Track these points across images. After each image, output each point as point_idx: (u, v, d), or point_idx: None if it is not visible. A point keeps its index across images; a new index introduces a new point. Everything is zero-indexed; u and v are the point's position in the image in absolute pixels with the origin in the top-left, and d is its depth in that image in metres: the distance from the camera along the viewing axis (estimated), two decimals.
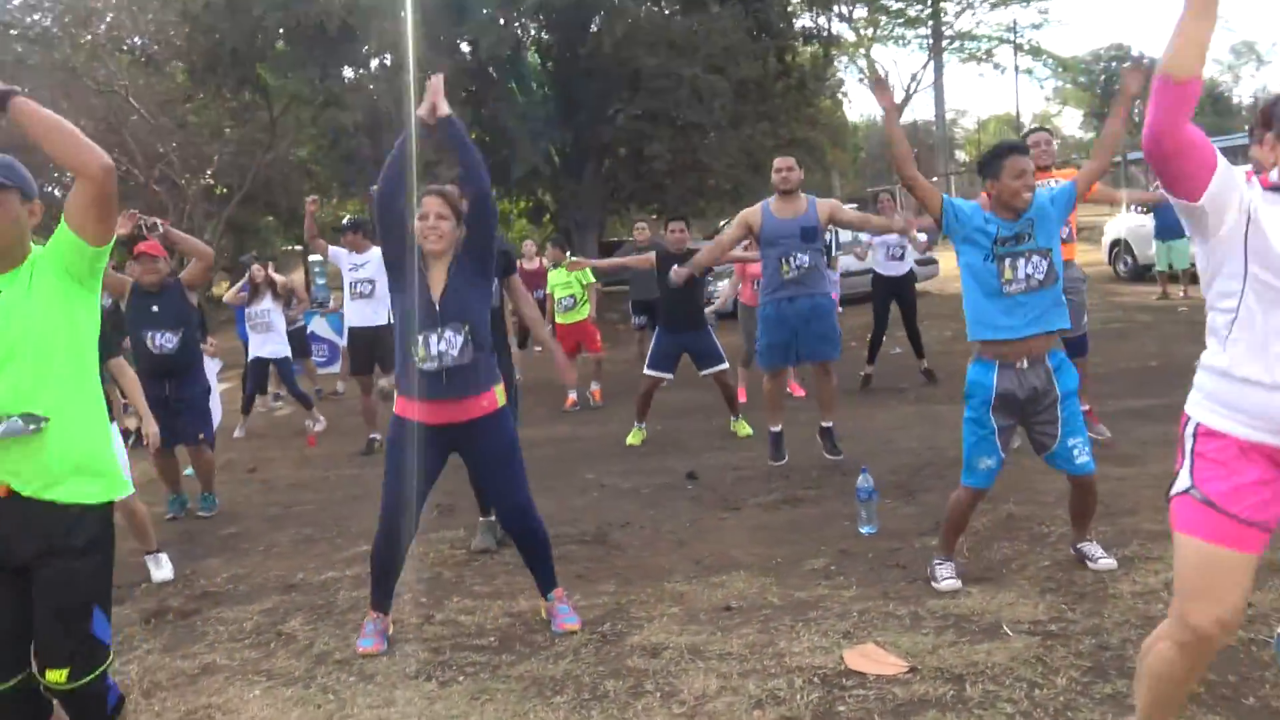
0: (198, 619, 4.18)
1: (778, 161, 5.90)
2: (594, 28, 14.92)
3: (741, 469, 6.31)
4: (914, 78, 40.72)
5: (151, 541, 4.85)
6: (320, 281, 14.53)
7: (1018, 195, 3.59)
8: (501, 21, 13.55)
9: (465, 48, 15.83)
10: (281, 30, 12.97)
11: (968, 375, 3.77)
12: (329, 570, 4.72)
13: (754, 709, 2.94)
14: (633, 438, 7.43)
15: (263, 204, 16.89)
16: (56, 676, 2.37)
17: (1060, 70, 42.02)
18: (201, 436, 5.97)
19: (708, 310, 7.84)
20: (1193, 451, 2.15)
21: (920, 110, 51.53)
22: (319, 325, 12.91)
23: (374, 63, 14.68)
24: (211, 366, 7.19)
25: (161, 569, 4.79)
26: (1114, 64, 53.19)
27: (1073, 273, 5.71)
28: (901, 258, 8.64)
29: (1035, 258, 3.62)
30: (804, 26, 18.38)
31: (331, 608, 4.18)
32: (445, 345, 3.45)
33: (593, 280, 9.55)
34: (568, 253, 10.11)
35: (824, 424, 6.18)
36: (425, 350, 3.46)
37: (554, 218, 18.81)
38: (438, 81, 3.49)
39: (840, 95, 44.29)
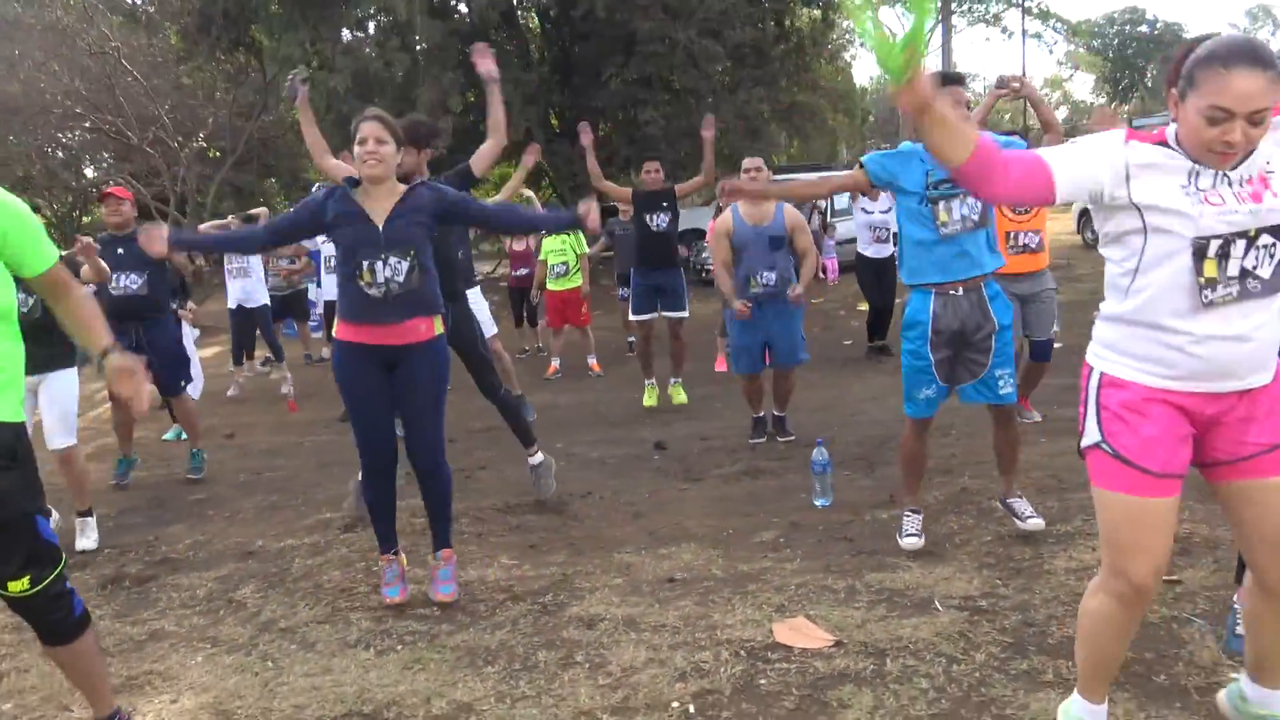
0: (153, 585, 4.24)
1: (746, 162, 5.90)
2: None
3: (711, 439, 6.35)
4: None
5: (86, 499, 4.91)
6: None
7: None
8: None
9: (463, 9, 15.72)
10: None
11: (906, 307, 3.84)
12: (289, 538, 4.77)
13: (678, 681, 2.99)
14: (648, 398, 7.44)
15: (259, 167, 16.84)
16: (19, 586, 2.42)
17: (1070, 34, 41.47)
18: (184, 384, 6.02)
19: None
20: (1098, 404, 2.17)
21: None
22: (316, 292, 12.94)
23: (371, 26, 14.58)
24: (188, 334, 7.22)
25: (86, 536, 4.84)
26: (1128, 28, 52.62)
27: (1044, 281, 5.71)
28: (887, 240, 8.63)
29: (970, 199, 3.65)
30: None
31: (285, 575, 4.23)
32: (391, 271, 3.49)
33: (586, 250, 9.53)
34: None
35: (776, 413, 6.20)
36: (371, 276, 3.49)
37: (553, 182, 18.74)
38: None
39: (847, 58, 44.02)
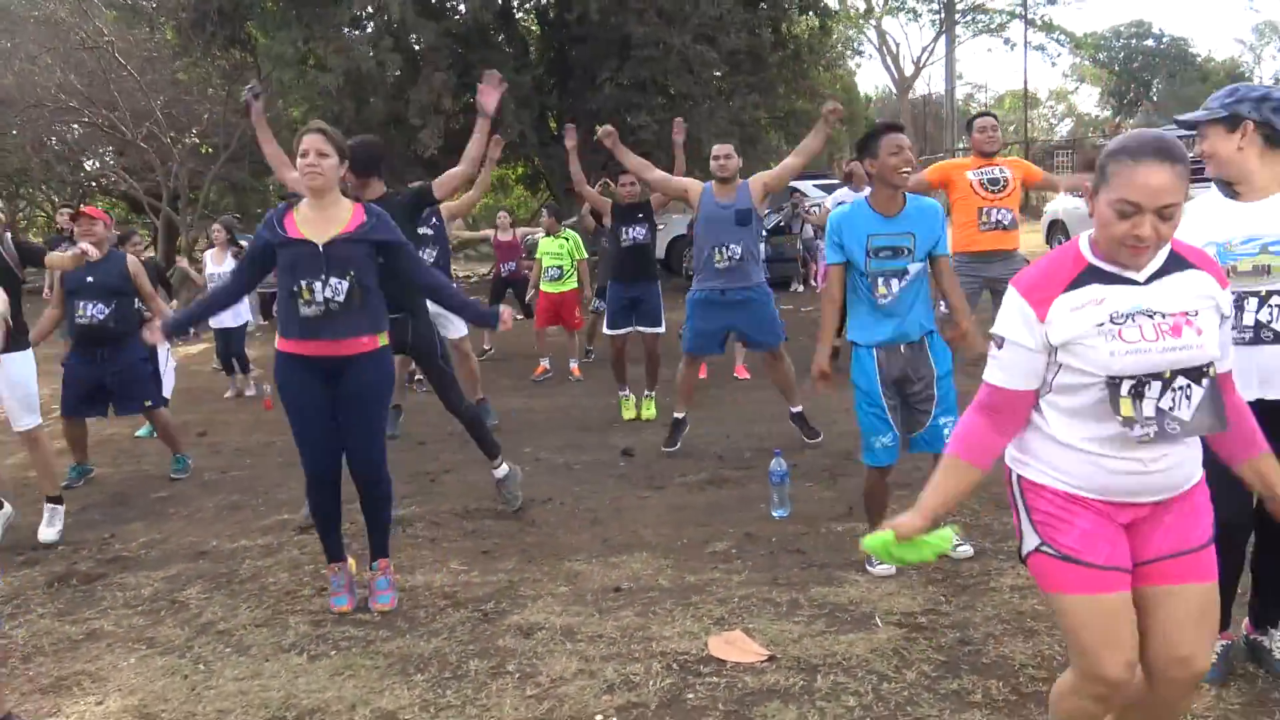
0: (100, 584, 4.22)
1: (716, 148, 5.85)
2: None
3: (680, 446, 6.31)
4: (926, 50, 40.26)
5: (55, 483, 4.90)
6: None
7: (896, 172, 3.67)
8: None
9: (462, 8, 15.69)
10: None
11: (853, 359, 3.81)
12: (243, 538, 4.75)
13: (605, 694, 2.96)
14: (626, 410, 7.35)
15: (252, 163, 16.79)
16: None
17: (1074, 46, 41.41)
18: (149, 404, 5.99)
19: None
20: (1026, 507, 2.10)
21: (936, 83, 50.74)
22: None
23: (370, 26, 14.53)
24: (164, 349, 7.17)
25: (51, 526, 4.84)
26: (1134, 41, 52.59)
27: (1017, 262, 5.67)
28: None
29: (909, 276, 3.74)
30: None
31: (232, 577, 4.21)
32: (331, 291, 3.48)
33: (584, 255, 9.48)
34: (561, 222, 10.00)
35: (793, 410, 6.17)
36: (310, 295, 3.48)
37: (550, 186, 18.72)
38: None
39: (852, 66, 44.00)
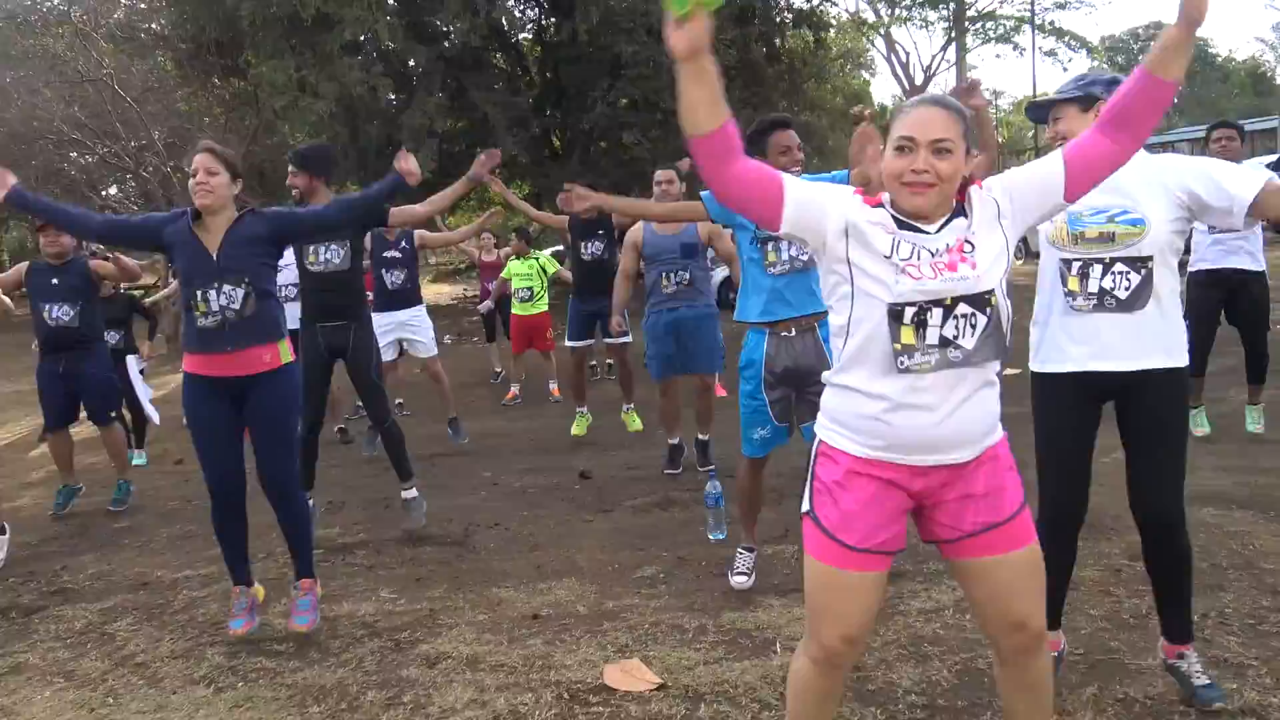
0: (38, 616, 4.29)
1: (658, 174, 5.89)
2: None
3: (638, 469, 6.34)
4: (934, 58, 40.11)
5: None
6: None
7: (784, 170, 3.67)
8: (476, 10, 13.52)
9: (453, 33, 15.81)
10: (258, 20, 13.07)
11: (743, 347, 3.84)
12: (187, 569, 4.82)
13: None
14: (577, 427, 7.39)
15: (249, 189, 16.93)
16: None
17: (1085, 51, 41.13)
18: (113, 415, 6.12)
19: None
20: (812, 474, 2.16)
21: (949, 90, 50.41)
22: None
23: (359, 56, 14.62)
24: (133, 364, 7.30)
25: None
26: (1151, 43, 52.11)
27: None
28: None
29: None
30: (798, 7, 18.20)
31: (166, 608, 4.27)
32: (225, 299, 3.54)
33: (557, 268, 9.51)
34: (530, 245, 10.06)
35: (700, 437, 6.18)
36: (205, 305, 3.55)
37: (544, 205, 18.82)
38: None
39: (866, 76, 43.90)
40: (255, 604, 3.89)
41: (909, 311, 1.97)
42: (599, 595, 4.08)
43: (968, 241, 2.01)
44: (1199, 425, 5.77)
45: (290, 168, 4.94)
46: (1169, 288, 2.69)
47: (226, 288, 3.54)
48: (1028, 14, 37.53)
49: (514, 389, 9.48)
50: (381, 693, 3.26)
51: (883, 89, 65.48)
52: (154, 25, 15.25)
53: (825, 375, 2.18)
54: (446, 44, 14.24)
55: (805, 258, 3.69)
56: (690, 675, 3.20)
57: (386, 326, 7.09)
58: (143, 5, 15.59)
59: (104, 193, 20.88)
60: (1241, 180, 2.62)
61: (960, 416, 2.03)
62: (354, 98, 13.47)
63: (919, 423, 2.02)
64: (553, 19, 16.66)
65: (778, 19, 17.21)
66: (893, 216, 2.04)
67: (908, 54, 51.36)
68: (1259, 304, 5.59)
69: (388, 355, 7.29)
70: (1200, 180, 2.65)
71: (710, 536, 4.72)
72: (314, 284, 5.02)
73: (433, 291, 20.79)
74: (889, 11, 38.21)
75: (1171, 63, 2.01)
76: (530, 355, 9.68)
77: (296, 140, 18.10)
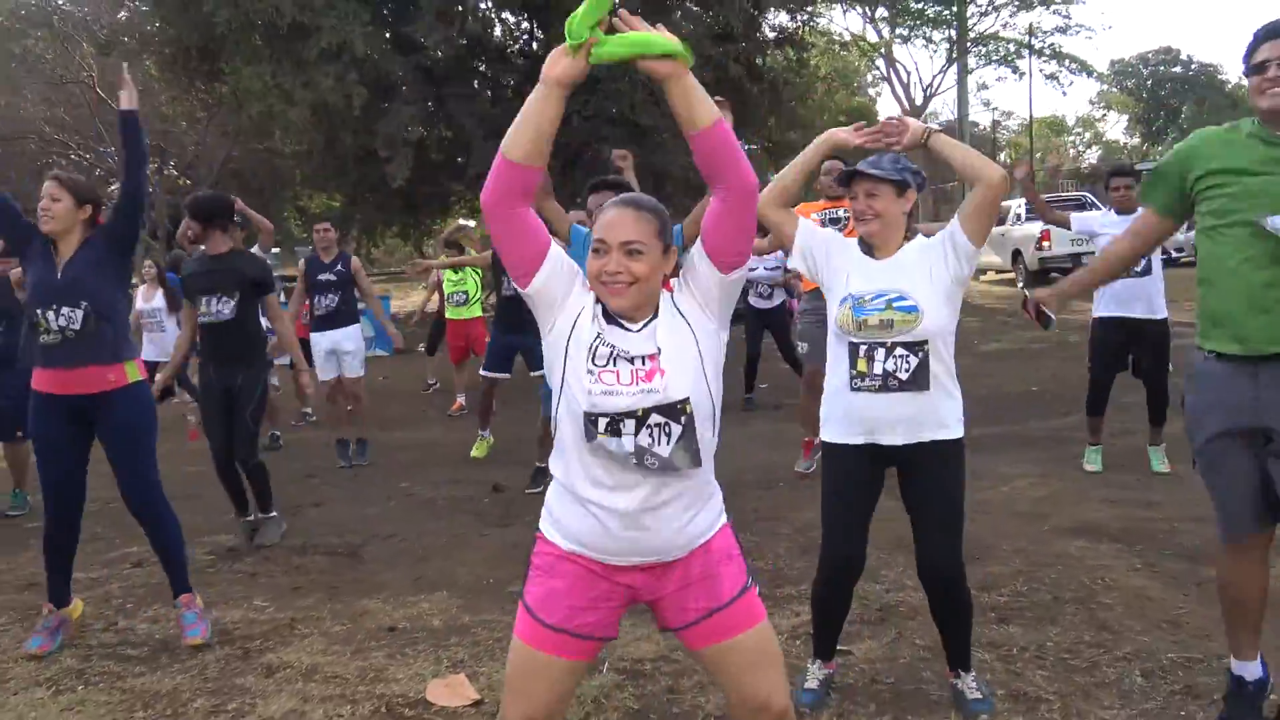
0: None
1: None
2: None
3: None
4: (935, 78, 40.26)
5: None
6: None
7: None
8: (451, 20, 13.65)
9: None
10: (234, 26, 13.21)
11: None
12: (78, 572, 4.86)
13: None
14: (477, 449, 7.47)
15: (234, 194, 17.09)
16: None
17: (1086, 74, 41.16)
18: (20, 433, 6.18)
19: None
20: (530, 561, 2.18)
21: (952, 110, 50.38)
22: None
23: (335, 64, 14.61)
24: None
25: None
26: (1161, 68, 52.31)
27: None
28: (770, 296, 8.93)
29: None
30: (781, 25, 18.30)
31: (41, 609, 4.33)
32: (65, 320, 3.62)
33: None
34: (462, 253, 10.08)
35: (538, 464, 6.15)
36: (46, 324, 3.63)
37: None
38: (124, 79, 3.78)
39: (872, 94, 44.00)
40: (64, 624, 3.88)
41: (602, 422, 1.99)
42: (461, 609, 4.13)
43: (659, 347, 2.04)
44: (1090, 462, 5.96)
45: (186, 215, 5.12)
46: (945, 366, 2.85)
47: (65, 309, 3.62)
48: (1028, 38, 37.64)
49: (459, 399, 9.54)
50: (210, 700, 3.32)
51: (889, 108, 65.48)
52: (136, 33, 15.35)
53: (550, 460, 2.17)
54: (424, 54, 14.35)
55: None
56: None
57: (322, 345, 7.23)
58: (123, 14, 15.72)
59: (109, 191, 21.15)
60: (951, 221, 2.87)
61: (663, 521, 2.04)
62: (329, 105, 13.58)
63: (628, 538, 2.04)
64: (533, 30, 16.81)
65: (759, 38, 17.31)
66: (603, 312, 2.07)
67: (909, 74, 51.69)
68: (1158, 348, 5.73)
69: (327, 374, 7.37)
70: (932, 249, 2.86)
71: None
72: (205, 332, 5.18)
73: (410, 302, 20.86)
74: (890, 31, 38.45)
75: (687, 116, 1.92)
76: (473, 363, 9.74)
77: (287, 144, 18.33)
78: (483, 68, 17.58)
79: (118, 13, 16.42)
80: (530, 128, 1.96)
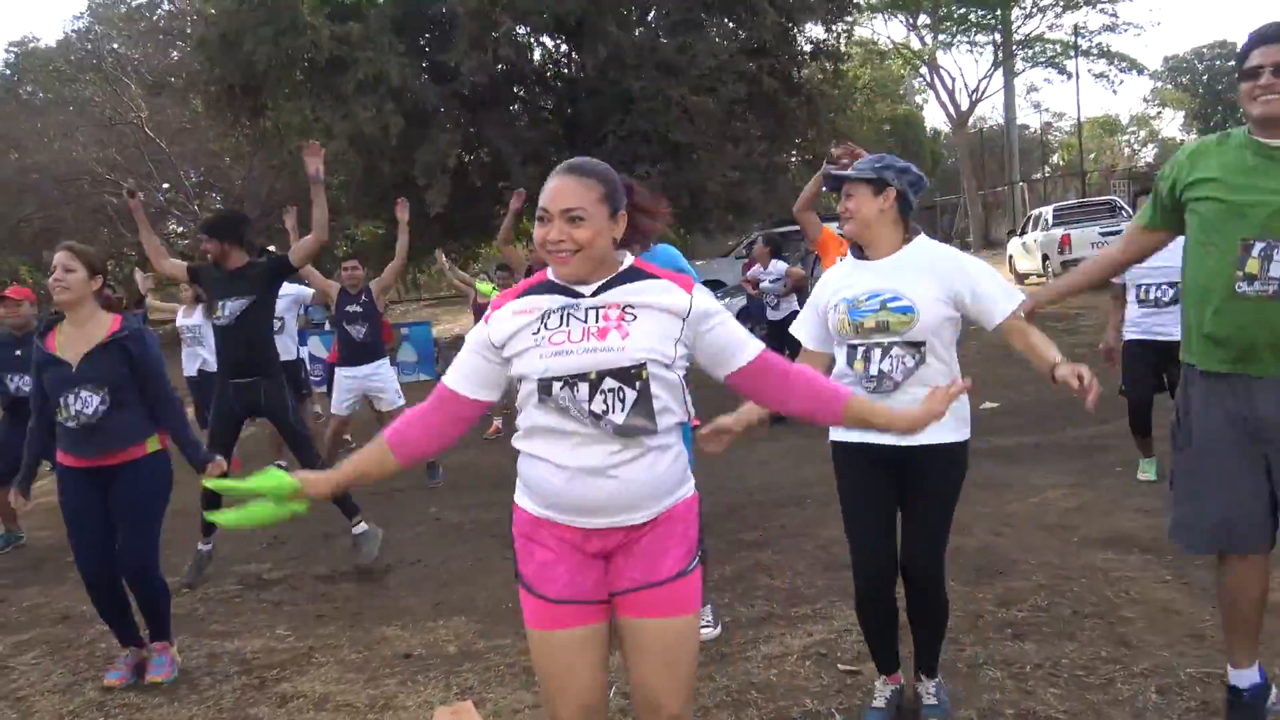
0: None
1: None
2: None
3: None
4: (981, 82, 39.70)
5: None
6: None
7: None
8: (485, 47, 13.82)
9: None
10: (274, 64, 13.53)
11: None
12: (26, 601, 4.99)
13: None
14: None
15: (265, 228, 17.44)
16: None
17: (1137, 72, 40.32)
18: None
19: None
20: (514, 534, 2.17)
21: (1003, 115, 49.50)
22: (314, 345, 13.36)
23: (373, 95, 14.83)
24: None
25: None
26: (1217, 62, 51.13)
27: None
28: (777, 307, 9.25)
29: None
30: (816, 38, 18.19)
31: (73, 643, 4.43)
32: (81, 405, 3.67)
33: None
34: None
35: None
36: (66, 411, 3.69)
37: None
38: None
39: (919, 101, 43.60)
40: (138, 663, 3.96)
41: (555, 386, 2.00)
42: (477, 634, 4.15)
43: (629, 309, 2.03)
44: (1145, 472, 5.76)
45: (202, 236, 5.21)
46: (945, 366, 2.79)
47: (84, 393, 3.66)
48: (1074, 39, 36.99)
49: (496, 422, 9.59)
50: None
51: (934, 116, 64.54)
52: (184, 73, 15.82)
53: (514, 439, 2.17)
54: (459, 82, 14.55)
55: None
56: (515, 718, 3.26)
57: (349, 382, 7.30)
58: (175, 54, 16.18)
59: (168, 229, 21.76)
60: (995, 301, 2.75)
61: (624, 481, 2.02)
62: (366, 136, 13.82)
63: (590, 491, 2.02)
64: (569, 53, 16.94)
65: (794, 51, 17.25)
66: (548, 282, 2.09)
67: (953, 80, 51.11)
68: None
69: (342, 409, 7.44)
70: (964, 285, 2.77)
71: None
72: (221, 339, 5.23)
73: (459, 325, 21.09)
74: (933, 38, 38.07)
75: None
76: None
77: (332, 176, 18.68)
78: (520, 92, 17.79)
79: (169, 53, 17.02)
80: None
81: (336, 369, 7.56)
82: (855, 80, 25.06)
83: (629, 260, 2.11)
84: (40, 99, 15.89)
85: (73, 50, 17.43)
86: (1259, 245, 2.45)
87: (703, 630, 3.86)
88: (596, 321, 2.02)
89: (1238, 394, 2.58)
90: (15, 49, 19.85)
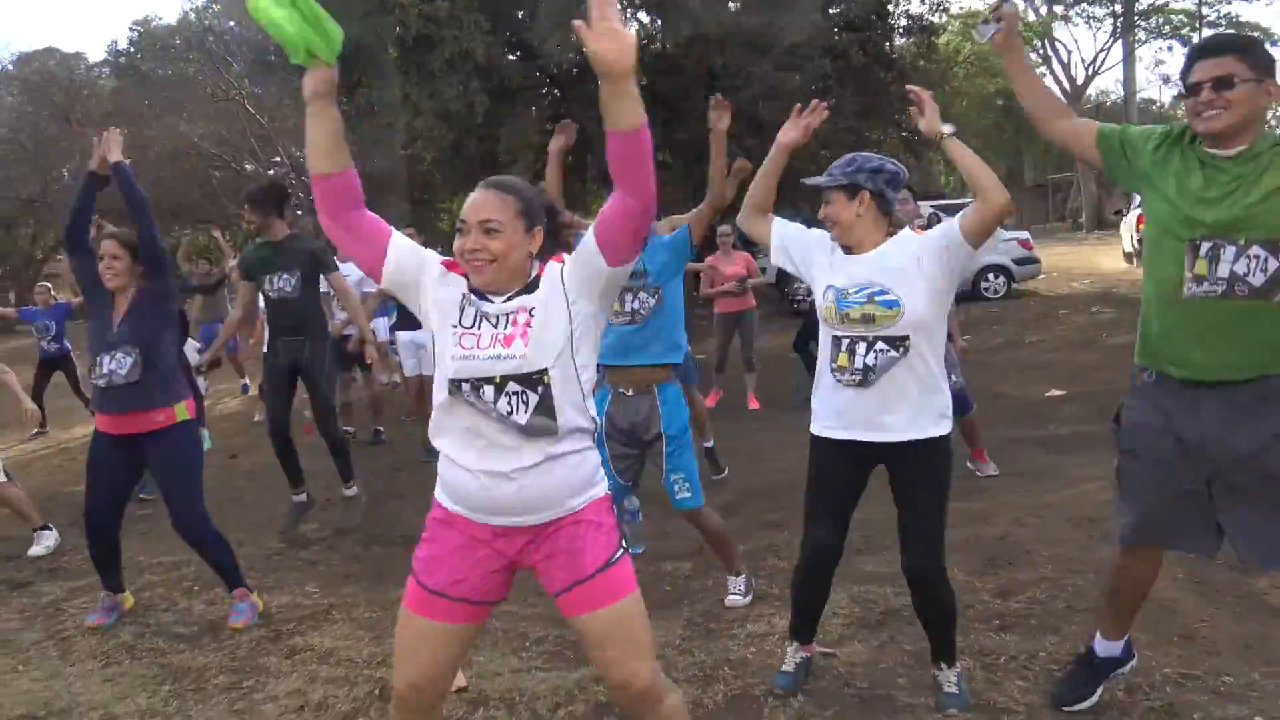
0: (19, 591, 4.85)
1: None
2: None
3: None
4: (1098, 55, 38.10)
5: (34, 520, 5.60)
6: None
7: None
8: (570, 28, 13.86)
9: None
10: (364, 42, 13.92)
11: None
12: (165, 555, 5.30)
13: (293, 711, 3.29)
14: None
15: (372, 199, 17.91)
16: None
17: (1269, 42, 37.97)
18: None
19: None
20: (427, 520, 2.30)
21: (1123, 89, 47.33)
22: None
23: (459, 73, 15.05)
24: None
25: (40, 543, 5.53)
26: None
27: None
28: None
29: (643, 294, 3.77)
30: (912, 14, 17.74)
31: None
32: (115, 365, 3.96)
33: None
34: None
35: (705, 444, 6.31)
36: (99, 369, 3.99)
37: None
38: (112, 135, 3.99)
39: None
40: (116, 606, 4.30)
41: (465, 388, 2.11)
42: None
43: (531, 314, 2.14)
44: None
45: (245, 208, 5.49)
46: (929, 363, 2.82)
47: (119, 354, 3.96)
48: (1198, 8, 35.15)
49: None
50: (230, 677, 3.61)
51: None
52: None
53: (429, 431, 2.27)
54: (543, 59, 14.73)
55: (645, 311, 3.80)
56: (493, 681, 3.41)
57: (404, 339, 7.65)
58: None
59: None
60: (952, 218, 2.82)
61: (530, 484, 2.14)
62: (452, 113, 14.11)
63: (490, 490, 2.14)
64: (651, 30, 16.93)
65: (890, 24, 16.88)
66: (470, 288, 2.19)
67: (1069, 53, 49.13)
68: None
69: (412, 369, 7.77)
70: (935, 239, 2.84)
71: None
72: (271, 308, 5.56)
73: None
74: (1049, 9, 36.68)
75: (613, 116, 1.97)
76: None
77: (425, 152, 19.14)
78: (584, 77, 17.88)
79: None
80: (318, 144, 2.17)
81: (397, 334, 7.90)
82: (955, 54, 24.33)
83: (537, 269, 2.21)
84: (157, 76, 16.72)
85: (188, 29, 18.29)
86: (1205, 245, 2.41)
87: (730, 597, 3.96)
88: (505, 328, 2.13)
89: (1182, 398, 2.55)
90: (138, 27, 21.03)
